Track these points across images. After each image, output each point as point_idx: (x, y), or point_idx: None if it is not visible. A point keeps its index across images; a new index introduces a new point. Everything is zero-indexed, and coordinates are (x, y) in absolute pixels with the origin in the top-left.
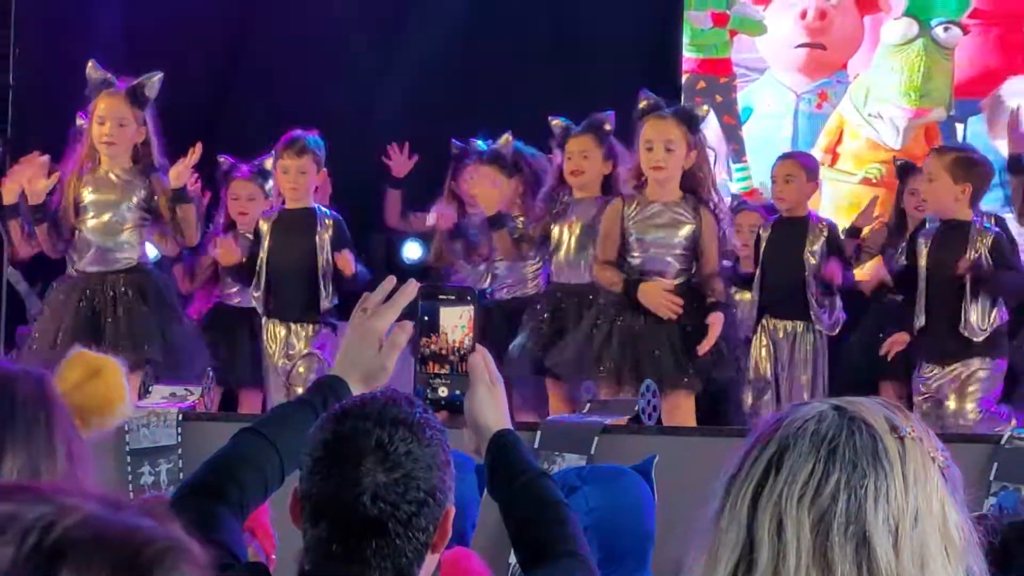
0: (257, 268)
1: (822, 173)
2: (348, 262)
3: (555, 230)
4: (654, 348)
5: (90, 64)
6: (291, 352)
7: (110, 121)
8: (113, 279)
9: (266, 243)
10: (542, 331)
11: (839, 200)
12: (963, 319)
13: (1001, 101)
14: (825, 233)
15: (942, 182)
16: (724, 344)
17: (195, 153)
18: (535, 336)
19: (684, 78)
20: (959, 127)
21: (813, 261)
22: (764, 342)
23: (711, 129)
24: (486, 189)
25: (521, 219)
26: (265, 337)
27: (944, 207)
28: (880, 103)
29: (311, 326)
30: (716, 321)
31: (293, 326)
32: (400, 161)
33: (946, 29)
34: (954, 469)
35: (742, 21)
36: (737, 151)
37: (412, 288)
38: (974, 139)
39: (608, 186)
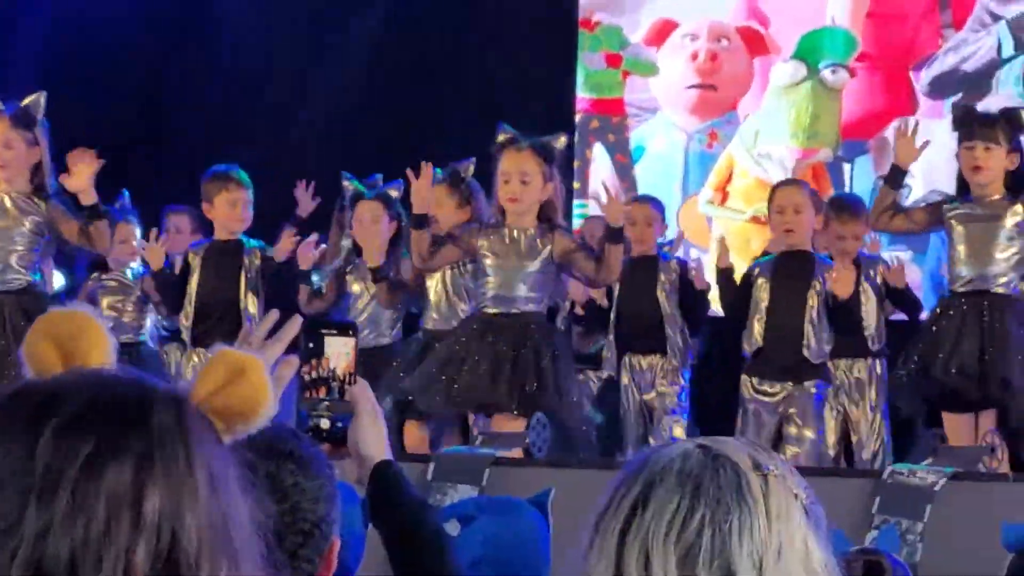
0: (186, 297)
1: (711, 211)
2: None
3: (428, 279)
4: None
5: None
6: None
7: None
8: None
9: (195, 275)
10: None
11: (728, 237)
12: (805, 342)
13: (887, 142)
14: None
15: (808, 214)
16: (552, 374)
17: (91, 164)
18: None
19: (578, 117)
20: (846, 167)
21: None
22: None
23: (604, 167)
24: (370, 235)
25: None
26: (189, 366)
27: (805, 238)
28: (769, 143)
29: None
30: (616, 247)
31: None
32: (305, 200)
33: (834, 71)
34: (817, 507)
35: (635, 62)
36: (628, 189)
37: (296, 323)
38: (860, 179)
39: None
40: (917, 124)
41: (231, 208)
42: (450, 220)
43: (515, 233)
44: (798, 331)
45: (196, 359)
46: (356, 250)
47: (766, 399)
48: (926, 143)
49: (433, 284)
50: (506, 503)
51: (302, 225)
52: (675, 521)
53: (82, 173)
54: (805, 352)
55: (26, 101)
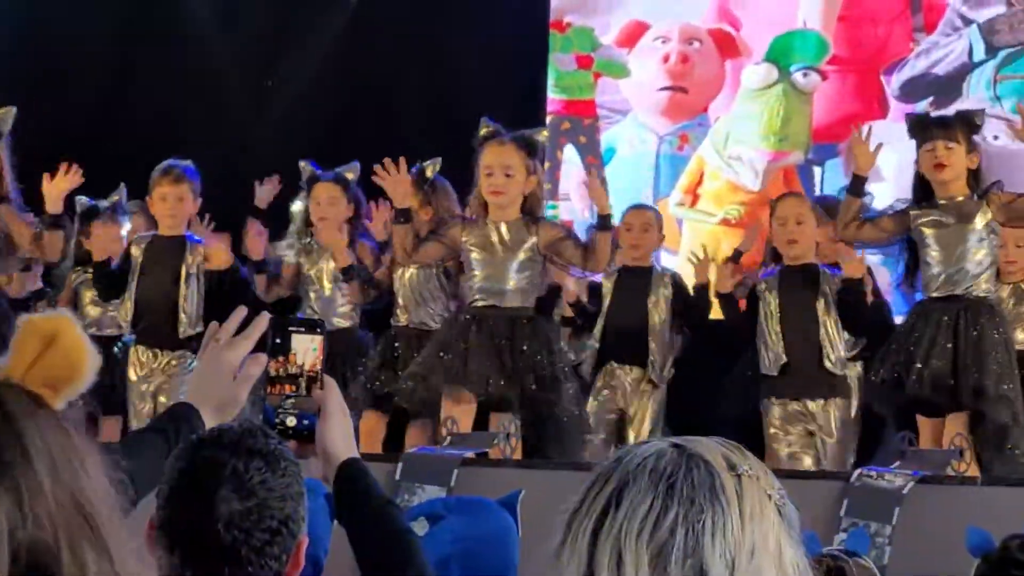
0: (123, 289)
1: (682, 213)
2: (219, 251)
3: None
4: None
5: None
6: (152, 376)
7: None
8: None
9: (137, 267)
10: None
11: (699, 240)
12: (825, 354)
13: None
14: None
15: (810, 225)
16: (550, 370)
17: (70, 177)
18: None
19: (549, 119)
20: (817, 170)
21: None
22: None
23: (575, 168)
24: (328, 217)
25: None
26: (129, 361)
27: (807, 250)
28: (740, 146)
29: (175, 352)
30: (605, 234)
31: (158, 352)
32: (262, 191)
33: (805, 75)
34: (790, 507)
35: (606, 64)
36: None
37: (264, 320)
38: (831, 183)
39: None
40: (870, 129)
41: (162, 203)
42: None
43: (499, 226)
44: (815, 344)
45: (137, 355)
46: (307, 227)
47: (793, 413)
48: (880, 146)
49: (400, 282)
50: (475, 503)
51: (262, 216)
52: (648, 520)
53: (58, 184)
54: (827, 364)
55: None
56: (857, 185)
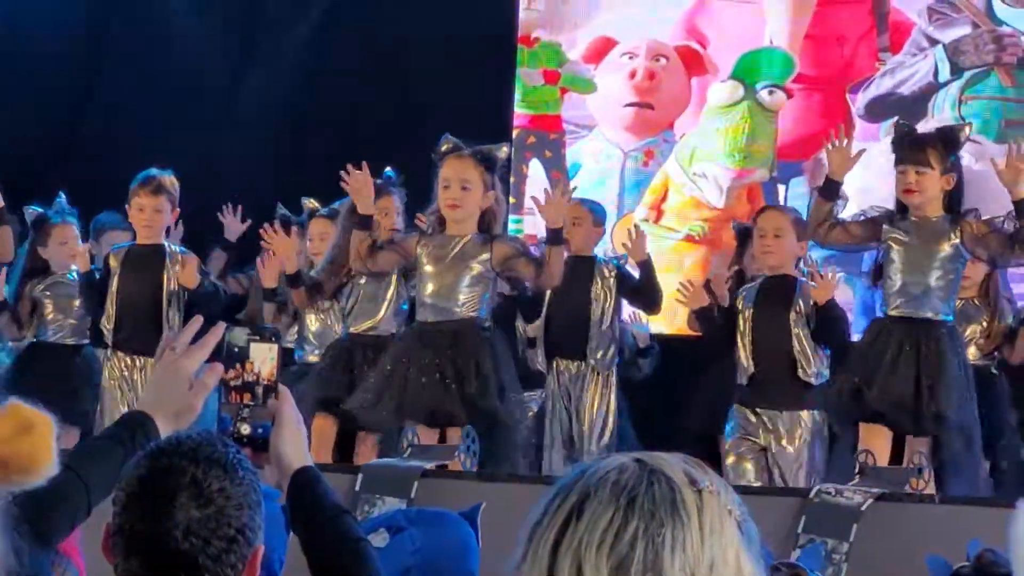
0: (108, 300)
1: (646, 229)
2: (190, 272)
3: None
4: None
5: None
6: (130, 384)
7: None
8: None
9: (116, 277)
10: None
11: (662, 255)
12: (795, 365)
13: (822, 164)
14: (613, 274)
15: (789, 239)
16: (496, 381)
17: None
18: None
19: (515, 133)
20: (781, 188)
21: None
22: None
23: (539, 184)
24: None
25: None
26: (107, 368)
27: (784, 263)
28: (705, 162)
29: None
30: (557, 249)
31: (137, 359)
32: (233, 223)
33: (771, 92)
34: (750, 523)
35: (573, 79)
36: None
37: (220, 329)
38: (794, 200)
39: None
40: (849, 134)
41: (139, 213)
42: None
43: (454, 240)
44: (786, 355)
45: (117, 362)
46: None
47: (756, 423)
48: (862, 151)
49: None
50: (436, 515)
51: (231, 249)
52: (608, 533)
53: None
54: (800, 374)
55: None
56: (829, 188)
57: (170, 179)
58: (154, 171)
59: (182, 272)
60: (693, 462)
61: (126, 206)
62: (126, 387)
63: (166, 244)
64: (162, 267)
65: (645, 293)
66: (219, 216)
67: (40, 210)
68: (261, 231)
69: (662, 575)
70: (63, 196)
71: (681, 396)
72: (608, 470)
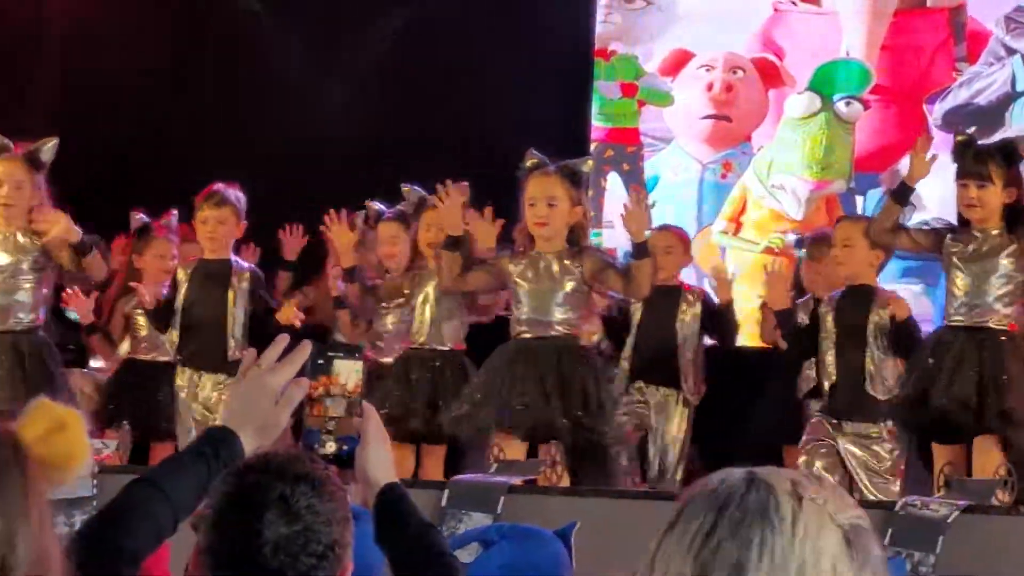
0: (173, 315)
1: (725, 242)
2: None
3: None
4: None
5: None
6: (200, 398)
7: (8, 184)
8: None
9: (183, 291)
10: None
11: (742, 268)
12: (868, 378)
13: (899, 176)
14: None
15: (860, 247)
16: (596, 398)
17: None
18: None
19: (593, 146)
20: (859, 200)
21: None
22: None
23: (617, 197)
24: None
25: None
26: (177, 383)
27: (858, 272)
28: (783, 174)
29: (221, 375)
30: (642, 262)
31: (204, 374)
32: (290, 241)
33: (848, 104)
34: (865, 538)
35: (650, 92)
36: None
37: (307, 347)
38: (872, 212)
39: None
40: (931, 141)
41: (203, 226)
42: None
43: (545, 257)
44: (861, 367)
45: (185, 377)
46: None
47: (834, 432)
48: (934, 157)
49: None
50: (529, 531)
51: (291, 268)
52: (697, 537)
53: (58, 220)
54: (868, 388)
55: (38, 145)
56: (903, 192)
57: (235, 192)
58: (219, 185)
59: (285, 309)
60: (809, 475)
61: (191, 220)
62: (194, 401)
63: (233, 259)
64: (228, 282)
65: (720, 327)
66: (279, 234)
67: (147, 220)
68: (325, 217)
69: None
70: (176, 214)
71: (747, 405)
72: (717, 479)
